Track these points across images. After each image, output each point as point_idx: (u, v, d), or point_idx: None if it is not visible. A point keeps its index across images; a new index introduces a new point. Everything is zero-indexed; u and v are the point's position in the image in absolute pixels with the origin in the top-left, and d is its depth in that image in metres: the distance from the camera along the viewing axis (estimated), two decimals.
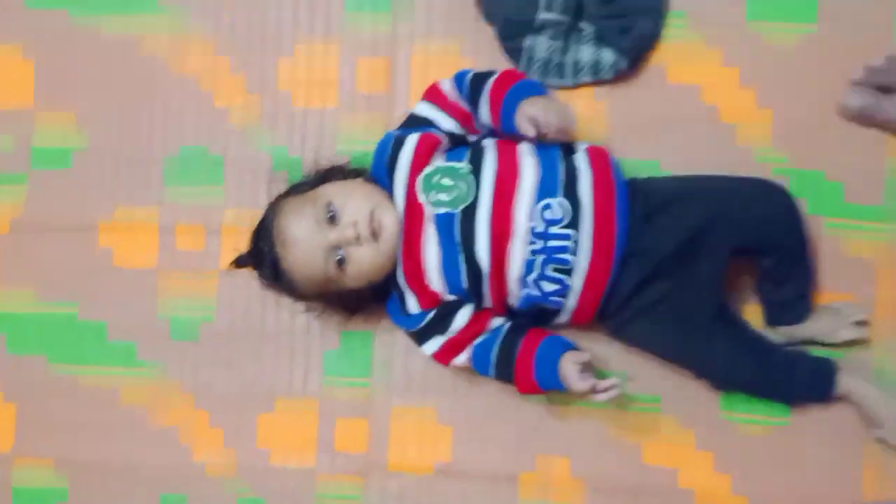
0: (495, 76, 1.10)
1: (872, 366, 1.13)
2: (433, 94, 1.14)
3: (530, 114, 1.03)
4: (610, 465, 1.16)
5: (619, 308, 1.08)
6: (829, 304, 1.14)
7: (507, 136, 1.10)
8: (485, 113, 1.09)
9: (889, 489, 1.12)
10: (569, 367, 1.04)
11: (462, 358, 1.12)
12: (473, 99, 1.10)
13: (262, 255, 1.10)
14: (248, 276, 1.16)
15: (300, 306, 1.18)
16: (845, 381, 1.10)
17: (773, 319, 1.13)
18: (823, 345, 1.13)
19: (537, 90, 1.08)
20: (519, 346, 1.08)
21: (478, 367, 1.11)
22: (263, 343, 1.22)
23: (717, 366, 1.09)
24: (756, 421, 1.14)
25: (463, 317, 1.10)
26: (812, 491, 1.14)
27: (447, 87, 1.13)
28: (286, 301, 1.18)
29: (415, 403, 1.19)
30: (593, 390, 1.03)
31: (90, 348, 1.25)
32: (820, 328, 1.12)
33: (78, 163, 1.26)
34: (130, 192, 1.25)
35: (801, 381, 1.10)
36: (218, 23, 1.24)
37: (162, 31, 1.25)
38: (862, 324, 1.11)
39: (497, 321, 1.12)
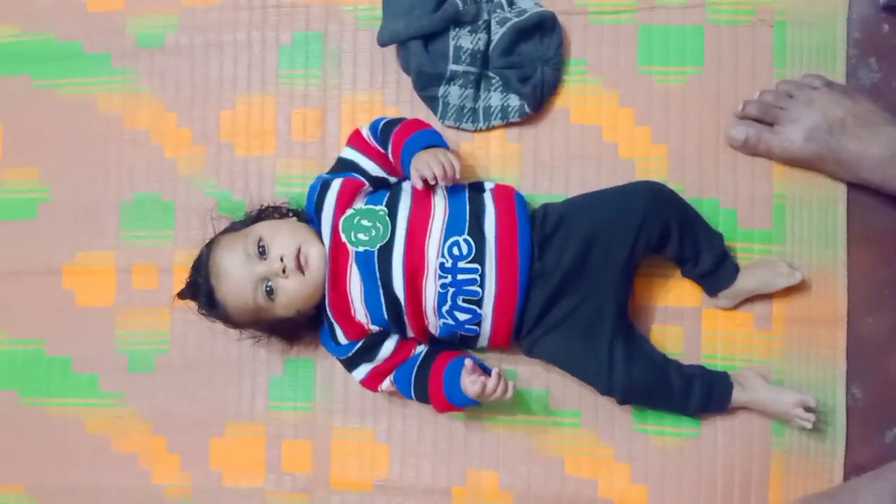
0: (398, 126, 1.20)
1: (771, 378, 1.21)
2: (355, 140, 1.24)
3: (416, 167, 1.14)
4: (535, 476, 1.25)
5: (531, 328, 1.17)
6: (759, 258, 1.21)
7: None
8: (392, 158, 1.20)
9: (793, 493, 1.20)
10: (464, 378, 1.13)
11: (387, 383, 1.21)
12: (384, 145, 1.21)
13: (198, 287, 1.19)
14: (198, 312, 1.24)
15: (246, 337, 1.26)
16: (739, 394, 1.18)
17: (711, 290, 1.20)
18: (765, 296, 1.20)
19: (430, 140, 1.18)
20: (430, 369, 1.18)
21: (401, 390, 1.21)
22: (214, 372, 1.31)
23: (617, 378, 1.15)
24: (667, 433, 1.22)
25: (388, 347, 1.20)
26: (722, 499, 1.21)
27: (366, 132, 1.24)
28: (233, 332, 1.27)
29: (353, 424, 1.28)
30: (486, 390, 1.11)
31: (57, 381, 1.35)
32: (757, 282, 1.19)
33: (42, 212, 1.36)
34: (90, 238, 1.35)
35: (697, 396, 1.18)
36: (165, 82, 1.35)
37: (115, 91, 1.36)
38: (794, 270, 1.18)
39: (419, 349, 1.21)
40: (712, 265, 1.18)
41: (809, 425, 1.15)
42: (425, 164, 1.13)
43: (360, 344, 1.20)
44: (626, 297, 1.19)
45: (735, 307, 1.21)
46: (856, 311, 1.21)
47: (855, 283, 1.21)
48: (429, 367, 1.18)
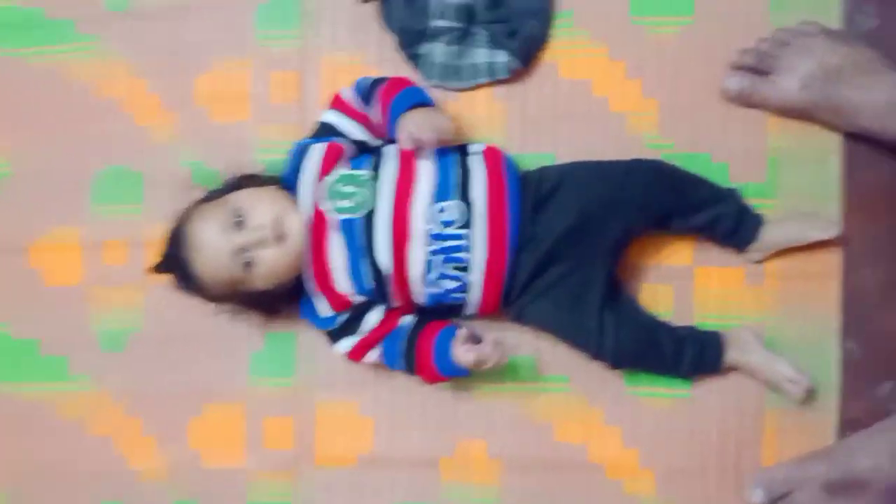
0: (383, 85, 1.15)
1: (765, 335, 1.17)
2: (337, 103, 1.20)
3: (407, 129, 1.09)
4: (524, 444, 1.20)
5: (519, 294, 1.13)
6: (794, 211, 1.17)
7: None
8: (377, 120, 1.16)
9: (786, 453, 1.16)
10: (457, 348, 1.09)
11: (373, 355, 1.17)
12: (369, 106, 1.17)
13: (173, 260, 1.14)
14: (173, 286, 1.19)
15: (223, 311, 1.21)
16: (732, 356, 1.15)
17: (740, 246, 1.17)
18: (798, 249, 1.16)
19: (418, 98, 1.14)
20: (418, 340, 1.13)
21: (388, 362, 1.16)
22: (190, 349, 1.25)
23: (607, 344, 1.12)
24: (658, 394, 1.18)
25: (374, 318, 1.15)
26: (715, 460, 1.18)
27: (348, 94, 1.19)
28: (210, 308, 1.21)
29: (337, 398, 1.23)
30: (480, 359, 1.08)
31: (25, 365, 1.28)
32: (786, 235, 1.15)
33: (5, 188, 1.30)
34: (55, 214, 1.28)
35: (689, 357, 1.14)
36: (134, 48, 1.29)
37: (81, 59, 1.30)
38: (831, 222, 1.14)
39: (406, 319, 1.16)
40: (730, 226, 1.15)
41: (798, 399, 1.13)
42: (416, 125, 1.09)
43: (344, 317, 1.15)
44: (616, 264, 1.16)
45: (767, 259, 1.18)
46: (850, 264, 1.17)
47: (849, 236, 1.18)
48: (416, 337, 1.14)
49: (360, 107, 1.18)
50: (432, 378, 1.14)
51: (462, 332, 1.11)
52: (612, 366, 1.16)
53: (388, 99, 1.14)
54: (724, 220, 1.15)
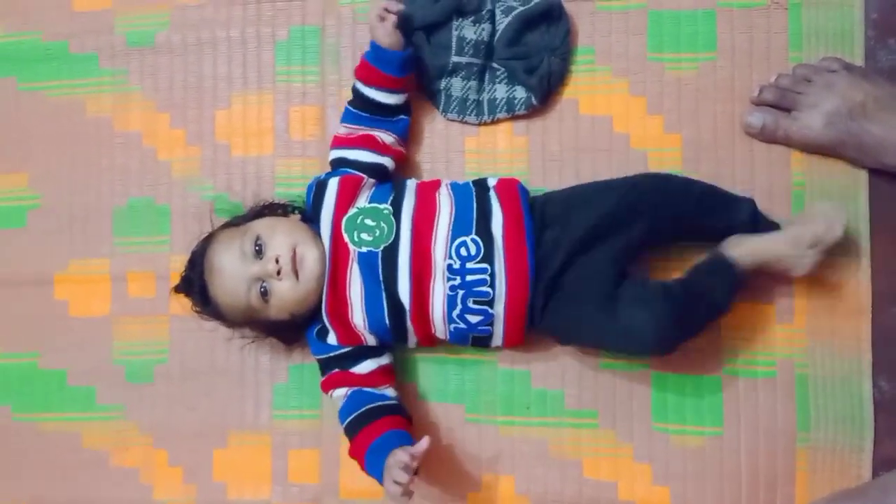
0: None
1: (795, 372, 1.17)
2: (335, 141, 1.20)
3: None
4: (552, 480, 1.21)
5: (542, 312, 1.11)
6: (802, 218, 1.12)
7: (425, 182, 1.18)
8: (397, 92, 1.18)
9: (818, 492, 1.16)
10: (391, 465, 1.03)
11: (340, 392, 1.16)
12: (364, 105, 1.18)
13: (191, 283, 1.15)
14: (192, 308, 1.19)
15: (241, 336, 1.21)
16: (738, 253, 1.09)
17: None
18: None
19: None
20: (374, 420, 1.11)
21: (342, 409, 1.15)
22: (215, 381, 1.27)
23: (639, 328, 1.07)
24: (688, 432, 1.18)
25: (368, 366, 1.15)
26: (747, 499, 1.17)
27: (342, 130, 1.19)
28: (235, 340, 1.23)
29: None
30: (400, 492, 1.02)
31: (52, 395, 1.30)
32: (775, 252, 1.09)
33: (32, 221, 1.31)
34: (83, 245, 1.30)
35: (713, 287, 1.10)
36: (157, 82, 1.30)
37: (105, 93, 1.31)
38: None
39: (388, 391, 1.15)
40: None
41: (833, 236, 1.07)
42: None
43: (346, 349, 1.15)
44: (627, 263, 1.12)
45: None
46: (879, 301, 1.17)
47: (878, 273, 1.17)
48: (375, 417, 1.12)
49: (354, 127, 1.18)
50: (355, 458, 1.12)
51: (402, 456, 1.02)
52: (660, 349, 1.10)
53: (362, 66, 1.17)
54: (740, 227, 1.11)
